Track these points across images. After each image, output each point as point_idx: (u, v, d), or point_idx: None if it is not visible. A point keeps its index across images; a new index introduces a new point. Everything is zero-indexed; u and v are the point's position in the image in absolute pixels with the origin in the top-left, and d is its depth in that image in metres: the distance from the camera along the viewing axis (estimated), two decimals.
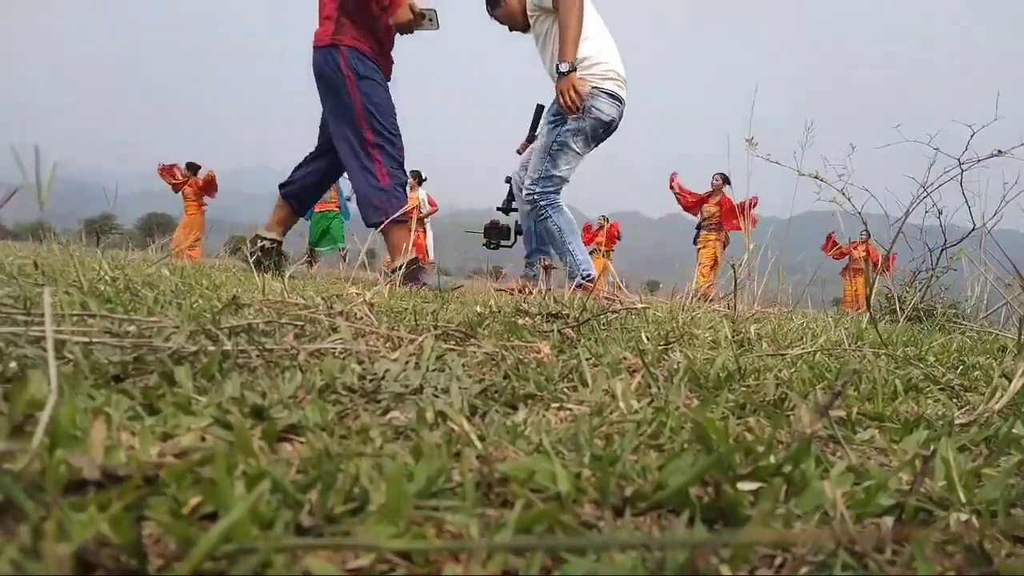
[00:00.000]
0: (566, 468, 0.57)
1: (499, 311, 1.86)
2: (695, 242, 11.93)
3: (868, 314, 2.04)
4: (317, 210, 9.91)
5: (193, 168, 13.03)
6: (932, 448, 0.68)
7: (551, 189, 4.06)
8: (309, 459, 0.57)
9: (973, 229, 3.65)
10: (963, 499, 0.59)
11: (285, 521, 0.44)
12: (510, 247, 4.77)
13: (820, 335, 1.88)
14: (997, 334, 2.20)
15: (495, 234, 4.74)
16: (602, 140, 4.17)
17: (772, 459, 0.60)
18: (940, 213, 3.77)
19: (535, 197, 4.07)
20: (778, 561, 0.47)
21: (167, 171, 12.85)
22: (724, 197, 11.40)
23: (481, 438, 0.69)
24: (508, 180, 4.76)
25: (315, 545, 0.39)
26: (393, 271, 3.55)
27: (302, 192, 4.22)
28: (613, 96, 3.97)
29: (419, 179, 10.65)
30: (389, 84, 4.00)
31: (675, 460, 0.60)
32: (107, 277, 1.77)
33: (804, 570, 0.45)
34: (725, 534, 0.51)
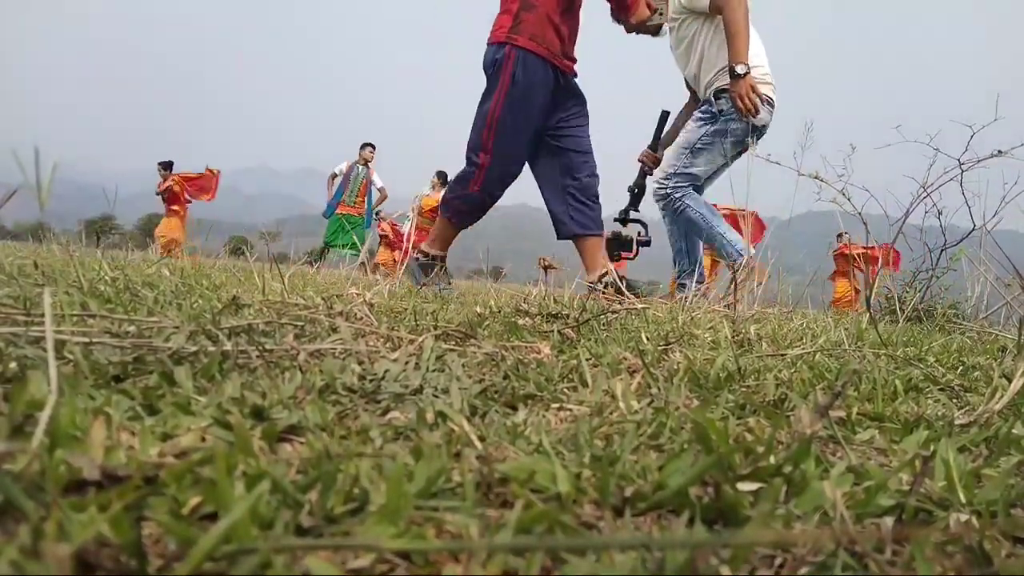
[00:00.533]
0: (566, 468, 0.57)
1: (499, 311, 1.86)
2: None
3: (868, 314, 2.04)
4: (340, 212, 9.93)
5: (166, 165, 12.93)
6: (932, 448, 0.68)
7: (684, 185, 3.93)
8: (309, 459, 0.57)
9: (973, 229, 3.65)
10: (963, 499, 0.59)
11: (285, 521, 0.44)
12: (632, 259, 4.61)
13: (820, 335, 1.88)
14: (997, 334, 2.20)
15: (615, 246, 4.56)
16: (747, 147, 3.97)
17: (772, 459, 0.60)
18: (940, 213, 3.77)
19: (668, 191, 3.96)
20: (778, 561, 0.47)
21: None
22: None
23: (481, 438, 0.69)
24: (631, 189, 4.60)
25: (315, 545, 0.39)
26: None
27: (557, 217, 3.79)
28: (768, 101, 3.84)
29: (444, 180, 10.66)
30: (575, 80, 3.73)
31: (675, 460, 0.60)
32: (107, 277, 1.77)
33: (804, 570, 0.45)
34: (725, 534, 0.51)
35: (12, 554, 0.34)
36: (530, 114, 3.55)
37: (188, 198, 12.87)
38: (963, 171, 3.38)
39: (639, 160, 4.56)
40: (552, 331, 1.53)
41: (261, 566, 0.36)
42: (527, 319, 1.70)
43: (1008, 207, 3.44)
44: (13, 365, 0.78)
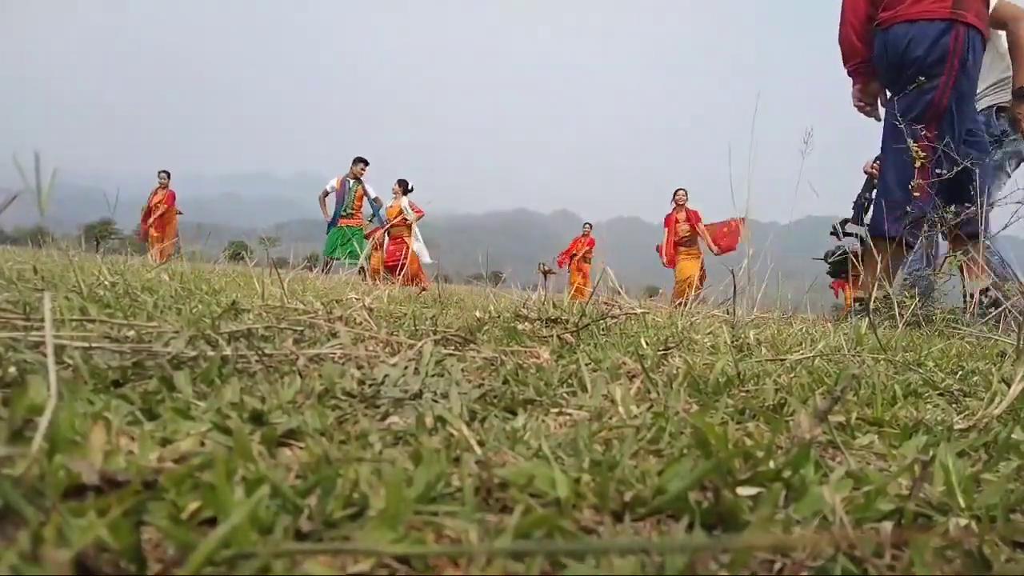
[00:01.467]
0: (565, 473, 0.57)
1: (498, 316, 1.86)
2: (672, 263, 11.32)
3: (868, 319, 2.04)
4: (341, 224, 9.92)
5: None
6: (931, 453, 0.68)
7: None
8: (308, 464, 0.57)
9: (975, 235, 3.65)
10: (962, 504, 0.59)
11: (284, 526, 0.44)
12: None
13: (819, 340, 1.88)
14: (997, 339, 2.20)
15: (840, 265, 4.29)
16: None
17: (771, 464, 0.60)
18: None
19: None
20: (778, 566, 0.47)
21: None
22: (689, 211, 10.97)
23: (480, 443, 0.69)
24: (859, 202, 4.36)
25: (314, 550, 0.39)
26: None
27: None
28: None
29: (404, 188, 10.73)
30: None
31: (674, 465, 0.60)
32: (106, 282, 1.78)
33: (804, 575, 0.45)
34: (724, 539, 0.51)
35: (12, 559, 0.34)
36: (968, 108, 3.23)
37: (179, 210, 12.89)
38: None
39: (867, 172, 4.32)
40: (551, 336, 1.53)
41: (260, 571, 0.36)
42: (526, 324, 1.70)
43: (1008, 212, 3.44)
44: (12, 370, 0.78)
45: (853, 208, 4.30)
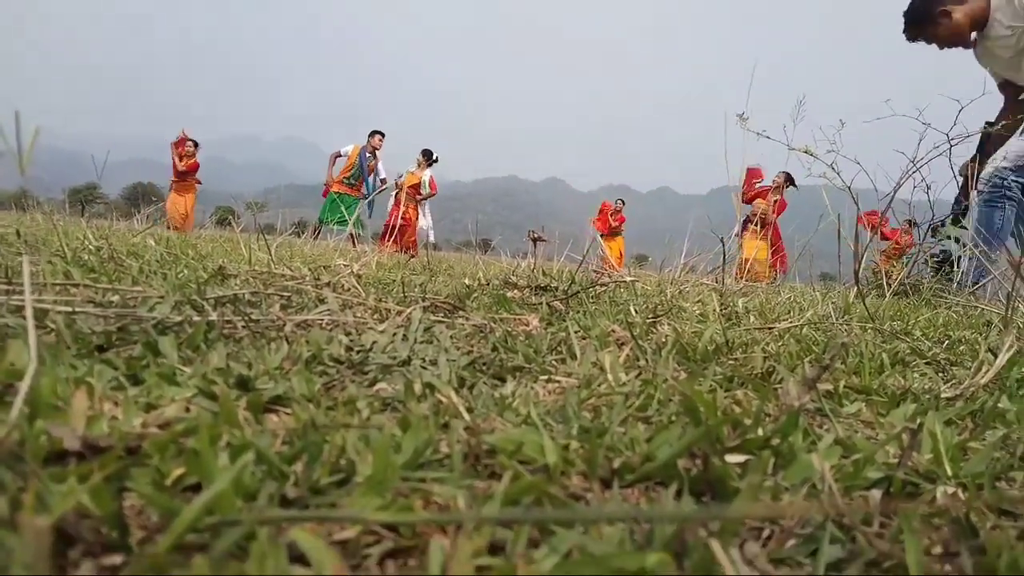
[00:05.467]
0: (554, 440, 0.56)
1: (488, 284, 1.85)
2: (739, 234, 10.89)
3: (856, 288, 2.05)
4: (336, 190, 9.78)
5: (195, 143, 12.64)
6: (919, 422, 0.69)
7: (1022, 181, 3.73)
8: (295, 430, 0.56)
9: (963, 205, 3.66)
10: (949, 472, 0.59)
11: (270, 493, 0.44)
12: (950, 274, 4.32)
13: (807, 309, 1.89)
14: (983, 309, 2.22)
15: (945, 267, 4.22)
16: None
17: (760, 432, 0.60)
18: (928, 188, 3.77)
19: (1003, 182, 3.73)
20: (766, 533, 0.47)
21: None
22: (782, 199, 10.43)
23: (469, 410, 0.69)
24: (956, 203, 4.37)
25: (300, 517, 0.38)
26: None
27: None
28: None
29: (429, 159, 10.55)
30: None
31: (663, 432, 0.59)
32: (91, 247, 1.75)
33: (792, 542, 0.45)
34: (714, 507, 0.51)
35: None
36: None
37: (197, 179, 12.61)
38: (952, 146, 3.38)
39: (961, 173, 4.34)
40: (541, 304, 1.53)
41: (245, 538, 0.36)
42: (516, 292, 1.70)
43: None
44: None
45: (952, 210, 4.26)
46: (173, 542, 0.35)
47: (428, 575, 0.37)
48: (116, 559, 0.37)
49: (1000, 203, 3.70)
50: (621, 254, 12.60)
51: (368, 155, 9.86)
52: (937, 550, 0.45)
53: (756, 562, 0.41)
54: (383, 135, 10.02)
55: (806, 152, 3.07)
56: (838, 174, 3.07)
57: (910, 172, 3.42)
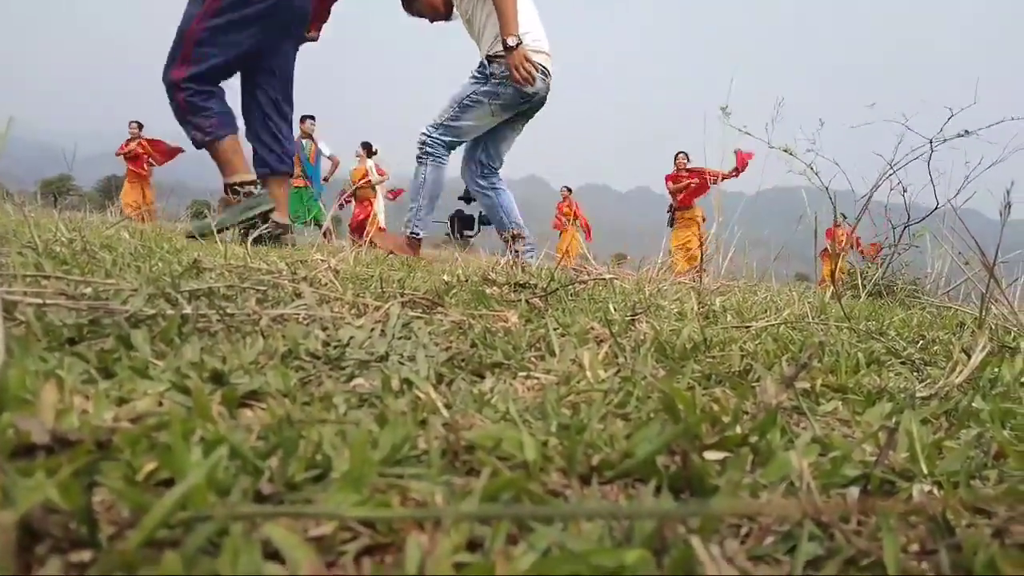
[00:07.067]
0: (533, 436, 0.56)
1: (466, 280, 1.85)
2: (671, 224, 11.29)
3: (832, 288, 2.07)
4: (294, 185, 9.72)
5: (139, 125, 12.62)
6: (895, 420, 0.69)
7: (445, 139, 4.12)
8: (270, 425, 0.56)
9: (936, 207, 3.71)
10: (926, 471, 0.59)
11: (243, 488, 0.43)
12: (472, 236, 4.73)
13: (784, 308, 1.90)
14: (956, 310, 2.25)
15: (459, 224, 4.71)
16: (524, 113, 4.24)
17: (738, 429, 0.60)
18: (905, 191, 3.82)
19: (426, 140, 4.13)
20: (744, 530, 0.47)
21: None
22: (701, 183, 10.72)
23: (447, 406, 0.68)
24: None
25: (275, 513, 0.37)
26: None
27: None
28: (540, 69, 4.00)
29: (369, 151, 10.73)
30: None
31: (642, 429, 0.59)
32: (63, 239, 1.72)
33: (770, 539, 0.45)
34: (693, 504, 0.51)
35: None
36: None
37: (151, 162, 12.54)
38: (932, 150, 3.43)
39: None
40: (520, 300, 1.52)
41: (218, 534, 0.35)
42: (495, 288, 1.69)
43: (973, 188, 3.50)
44: None
45: None
46: (144, 538, 0.34)
47: (405, 573, 0.36)
48: (85, 555, 0.36)
49: (423, 159, 4.16)
50: (568, 251, 12.67)
51: (304, 141, 9.81)
52: (914, 548, 0.46)
53: (735, 559, 0.41)
54: (313, 118, 10.02)
55: (786, 152, 3.09)
56: (816, 175, 3.10)
57: (887, 174, 3.47)
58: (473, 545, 0.40)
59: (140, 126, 12.54)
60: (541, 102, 4.20)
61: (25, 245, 1.47)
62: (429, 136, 4.12)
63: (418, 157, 4.15)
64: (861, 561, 0.43)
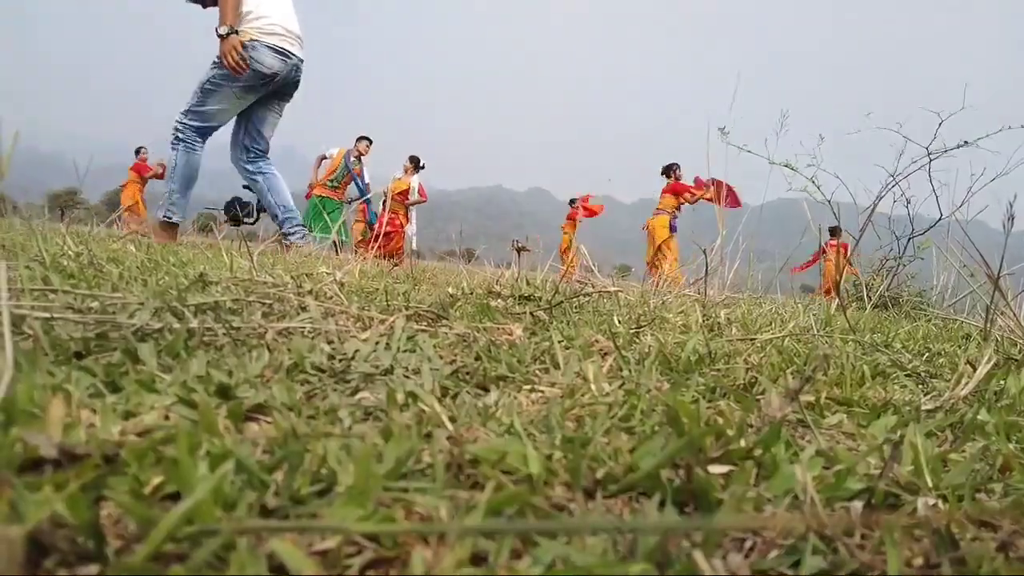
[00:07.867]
0: (537, 450, 0.56)
1: (471, 293, 1.85)
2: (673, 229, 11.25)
3: (837, 301, 2.06)
4: (319, 193, 9.68)
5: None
6: (900, 434, 0.69)
7: (193, 124, 4.19)
8: (276, 439, 0.56)
9: (940, 219, 3.71)
10: (930, 484, 0.59)
11: (249, 502, 0.43)
12: (252, 224, 4.74)
13: (789, 321, 1.90)
14: (962, 322, 2.24)
15: (235, 210, 4.74)
16: (278, 94, 4.36)
17: (743, 443, 0.60)
18: (908, 202, 3.82)
19: (176, 126, 4.20)
20: (748, 544, 0.47)
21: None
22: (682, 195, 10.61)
23: (452, 419, 0.68)
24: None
25: (280, 527, 0.38)
26: None
27: None
28: (276, 49, 4.11)
29: (416, 165, 10.51)
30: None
31: (646, 443, 0.59)
32: (71, 252, 1.73)
33: (774, 553, 0.45)
34: (697, 518, 0.51)
35: None
36: None
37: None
38: (931, 160, 3.43)
39: None
40: (524, 313, 1.53)
41: (224, 548, 0.36)
42: (499, 301, 1.69)
43: (978, 199, 3.49)
44: None
45: None
46: (151, 552, 0.35)
47: None
48: (92, 569, 0.36)
49: (175, 145, 4.22)
50: (568, 246, 12.59)
51: (353, 160, 9.78)
52: (918, 561, 0.46)
53: (739, 573, 0.41)
54: (370, 141, 9.94)
55: (787, 167, 3.10)
56: (819, 188, 3.11)
57: (890, 186, 3.47)
58: (477, 559, 0.40)
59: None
60: (294, 83, 4.34)
61: (32, 259, 1.48)
62: (179, 122, 4.19)
63: (171, 143, 4.22)
64: (865, 574, 0.43)
